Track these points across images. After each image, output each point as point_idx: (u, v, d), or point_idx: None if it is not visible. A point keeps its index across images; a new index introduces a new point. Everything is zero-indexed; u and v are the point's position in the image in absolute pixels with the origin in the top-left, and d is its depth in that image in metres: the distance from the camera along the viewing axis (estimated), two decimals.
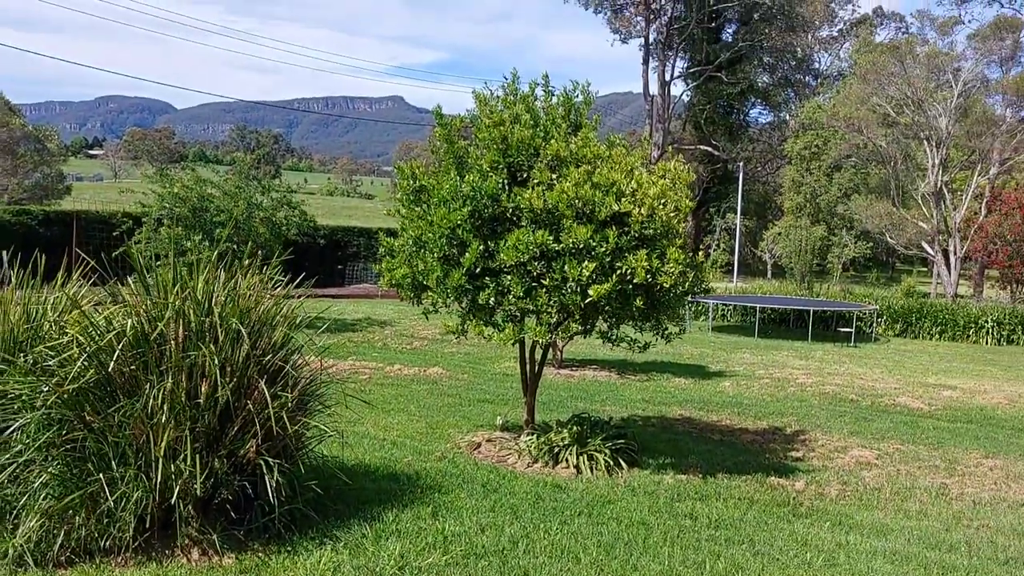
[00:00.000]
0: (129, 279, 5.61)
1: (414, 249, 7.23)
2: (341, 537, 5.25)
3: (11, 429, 4.79)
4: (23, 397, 4.87)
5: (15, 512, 4.74)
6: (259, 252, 6.17)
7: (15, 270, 5.85)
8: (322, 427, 5.72)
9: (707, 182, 48.80)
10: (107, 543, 4.77)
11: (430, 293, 7.24)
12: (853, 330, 20.02)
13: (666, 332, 7.48)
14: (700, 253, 7.39)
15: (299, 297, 6.09)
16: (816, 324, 21.25)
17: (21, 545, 4.61)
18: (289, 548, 5.05)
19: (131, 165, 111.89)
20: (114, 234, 16.71)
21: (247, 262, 5.89)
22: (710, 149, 46.90)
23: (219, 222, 16.51)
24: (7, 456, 4.76)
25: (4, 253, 5.87)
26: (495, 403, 10.24)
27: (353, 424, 8.22)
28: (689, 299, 7.49)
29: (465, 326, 7.26)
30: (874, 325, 21.90)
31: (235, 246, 15.46)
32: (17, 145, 38.43)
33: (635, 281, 6.50)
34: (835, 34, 55.52)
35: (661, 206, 6.63)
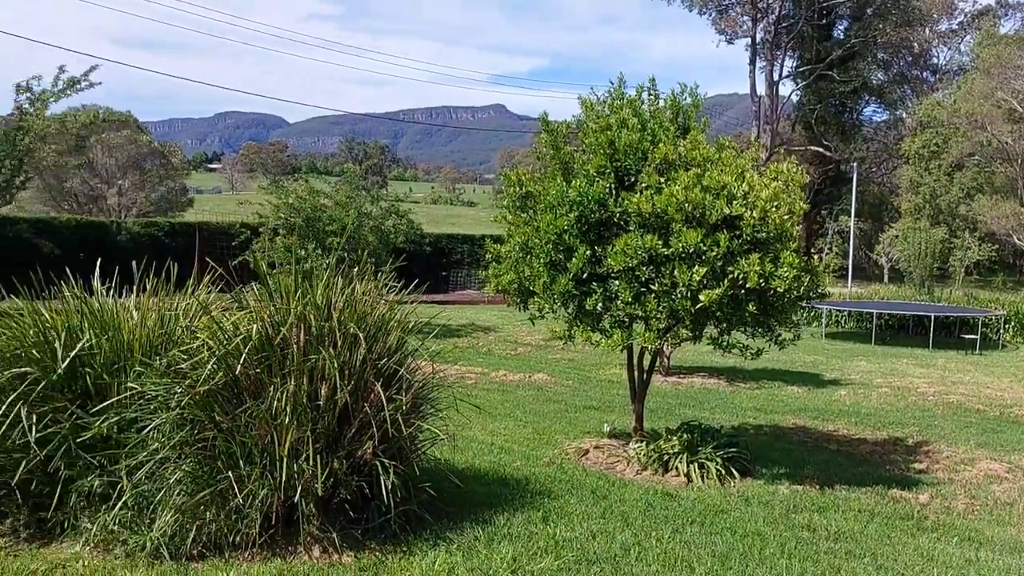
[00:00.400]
0: (254, 285, 5.88)
1: (520, 255, 7.29)
2: (454, 539, 5.34)
3: (148, 428, 5.07)
4: (159, 398, 5.16)
5: (152, 507, 5.01)
6: (371, 260, 6.37)
7: (150, 278, 6.20)
8: (435, 430, 5.84)
9: (818, 184, 47.20)
10: (235, 539, 4.99)
11: (536, 298, 7.28)
12: (978, 337, 18.96)
13: (780, 338, 7.28)
14: (815, 257, 7.16)
15: (412, 303, 6.24)
16: (938, 331, 20.22)
17: (157, 538, 4.88)
18: (405, 548, 5.16)
19: (247, 178, 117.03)
20: (233, 244, 17.49)
21: (362, 269, 6.08)
22: (821, 150, 45.37)
23: (331, 231, 17.07)
24: (145, 453, 5.04)
25: (135, 263, 6.23)
26: (601, 410, 10.19)
27: (462, 428, 8.32)
28: (804, 304, 7.27)
29: (572, 332, 7.27)
30: (1001, 332, 20.68)
31: (345, 254, 15.97)
32: (144, 161, 40.83)
33: (747, 286, 6.36)
34: (955, 27, 52.87)
35: (774, 209, 6.47)
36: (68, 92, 14.93)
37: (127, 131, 38.77)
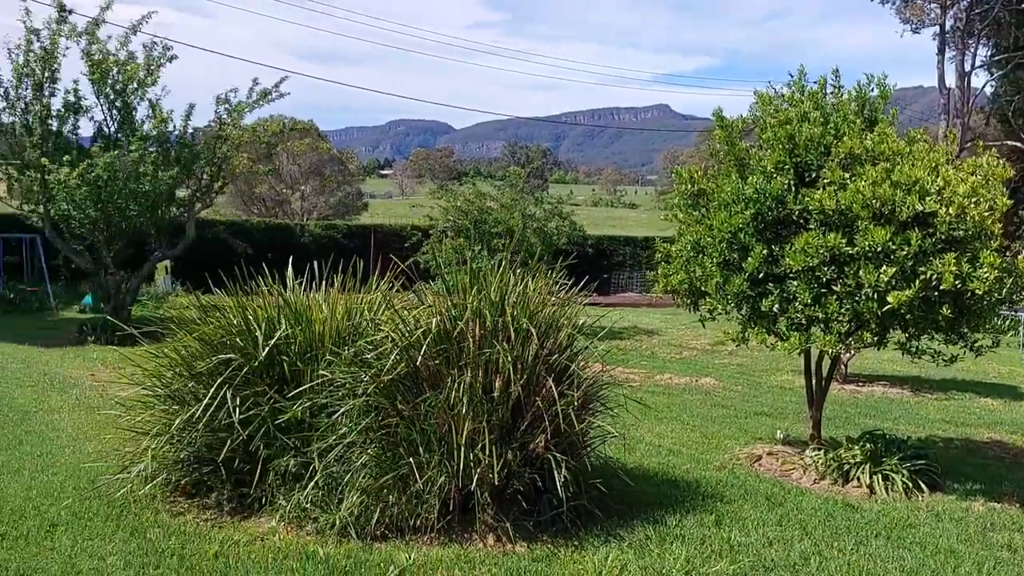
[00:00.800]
0: (432, 283, 6.14)
1: (692, 254, 7.18)
2: (625, 537, 5.33)
3: (338, 413, 5.40)
4: (347, 385, 5.48)
5: (340, 488, 5.33)
6: (541, 260, 6.48)
7: (337, 275, 6.59)
8: (607, 427, 5.85)
9: (1016, 181, 43.27)
10: (415, 522, 5.22)
11: (708, 299, 7.14)
12: None
13: (977, 344, 6.75)
14: (1019, 258, 6.61)
15: (580, 304, 6.29)
16: None
17: (345, 517, 5.18)
18: (576, 543, 5.21)
19: (416, 183, 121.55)
20: (405, 245, 18.22)
21: (533, 267, 6.20)
22: (1020, 144, 41.61)
23: (496, 232, 17.44)
24: (334, 437, 5.37)
25: (316, 262, 6.64)
26: (773, 416, 9.85)
27: (629, 429, 8.29)
28: (1005, 309, 6.72)
29: (746, 334, 7.07)
30: None
31: (510, 255, 16.28)
32: (324, 167, 43.31)
33: (941, 287, 5.95)
34: None
35: (972, 205, 6.02)
36: (260, 103, 16.09)
37: (309, 139, 41.31)
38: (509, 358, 5.37)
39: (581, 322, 6.23)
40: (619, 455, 7.16)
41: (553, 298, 6.16)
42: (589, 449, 5.95)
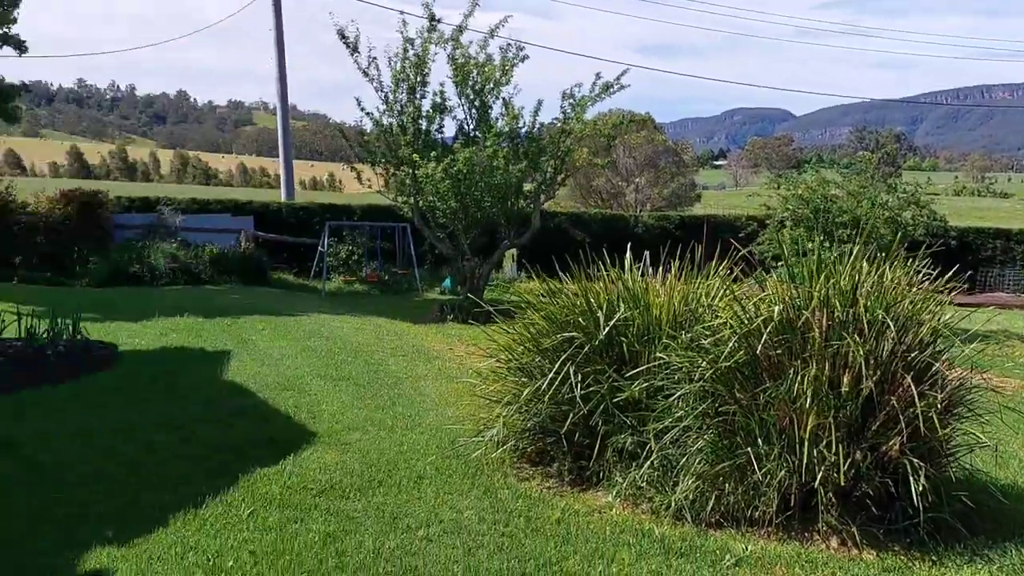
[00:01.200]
0: (773, 273, 5.91)
1: None
2: (995, 559, 4.71)
3: (674, 396, 5.43)
4: (683, 369, 5.49)
5: (675, 471, 5.36)
6: (895, 252, 5.91)
7: (674, 263, 6.61)
8: (977, 435, 5.22)
9: None
10: (752, 514, 5.08)
11: None
12: None
13: None
14: None
15: (946, 300, 5.68)
16: None
17: (680, 500, 5.20)
18: (934, 558, 4.72)
19: (751, 173, 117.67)
20: (739, 235, 17.72)
21: (891, 255, 5.72)
22: None
23: (841, 222, 16.33)
24: (670, 420, 5.41)
25: (647, 252, 6.69)
26: None
27: (1000, 441, 7.32)
28: None
29: None
30: None
31: (861, 245, 15.10)
32: (659, 159, 43.66)
33: None
34: None
35: None
36: (602, 96, 16.61)
37: (645, 132, 41.89)
38: (861, 352, 5.00)
39: (946, 318, 5.61)
40: (988, 469, 6.37)
41: (913, 290, 5.62)
42: (951, 458, 5.36)
